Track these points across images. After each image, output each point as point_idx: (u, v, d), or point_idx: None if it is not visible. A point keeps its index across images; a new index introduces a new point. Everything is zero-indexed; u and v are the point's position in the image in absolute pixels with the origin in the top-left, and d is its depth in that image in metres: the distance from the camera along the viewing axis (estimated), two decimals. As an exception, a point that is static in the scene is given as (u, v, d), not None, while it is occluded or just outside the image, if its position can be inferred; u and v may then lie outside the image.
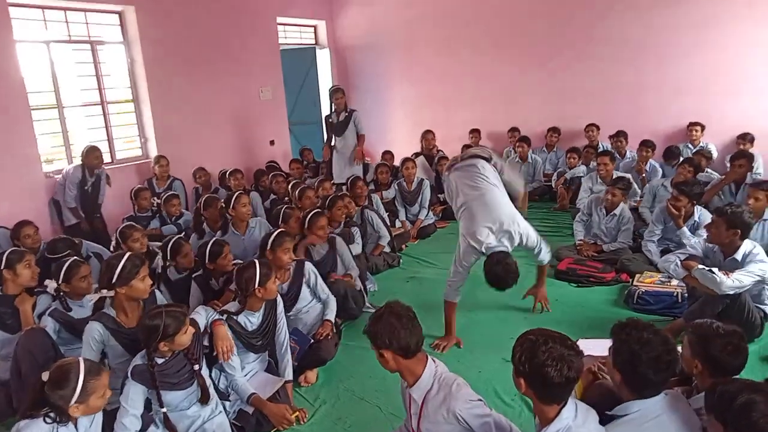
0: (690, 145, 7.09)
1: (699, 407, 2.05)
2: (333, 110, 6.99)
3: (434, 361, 2.21)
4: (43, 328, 3.14)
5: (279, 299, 3.29)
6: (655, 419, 1.90)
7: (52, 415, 2.17)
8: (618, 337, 2.00)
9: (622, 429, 1.92)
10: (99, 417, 2.41)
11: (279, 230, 3.78)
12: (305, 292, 3.70)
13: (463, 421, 2.08)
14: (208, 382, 2.78)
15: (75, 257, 3.50)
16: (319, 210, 4.46)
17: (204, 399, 2.71)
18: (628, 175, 5.72)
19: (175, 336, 2.54)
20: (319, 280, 3.76)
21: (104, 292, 2.87)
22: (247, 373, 3.16)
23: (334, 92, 6.97)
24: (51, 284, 3.24)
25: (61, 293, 3.26)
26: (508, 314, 4.18)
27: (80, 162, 5.73)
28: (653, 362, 1.89)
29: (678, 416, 1.94)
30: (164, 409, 2.60)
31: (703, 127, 7.12)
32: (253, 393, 2.96)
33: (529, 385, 1.85)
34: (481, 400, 2.13)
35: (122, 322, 2.90)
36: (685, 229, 4.51)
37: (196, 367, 2.68)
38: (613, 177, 5.60)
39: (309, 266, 3.75)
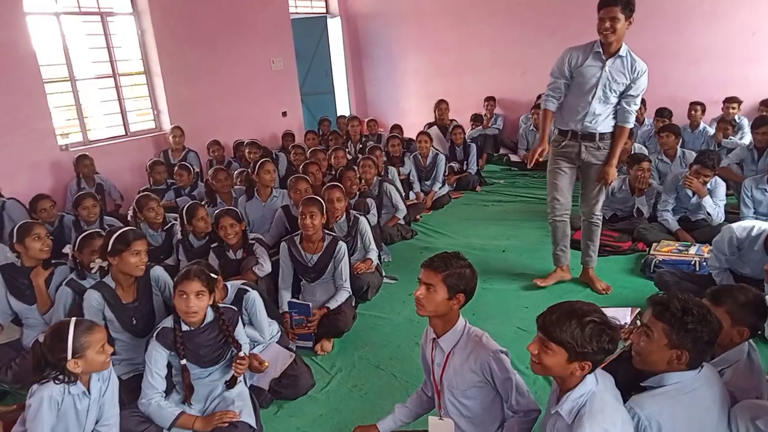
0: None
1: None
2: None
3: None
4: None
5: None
6: (691, 392, 1.86)
7: (60, 376, 2.22)
8: (682, 325, 1.84)
9: (658, 400, 1.86)
10: (114, 383, 2.45)
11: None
12: (329, 270, 3.69)
13: (489, 372, 2.11)
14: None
15: (97, 230, 3.52)
16: (331, 183, 4.39)
17: (231, 384, 2.69)
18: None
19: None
20: (345, 266, 3.69)
21: (99, 261, 2.91)
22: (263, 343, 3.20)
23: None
24: (68, 248, 3.32)
25: (77, 261, 3.29)
26: (523, 283, 4.17)
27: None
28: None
29: (713, 390, 1.92)
30: (184, 361, 2.60)
31: (740, 103, 6.67)
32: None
33: (567, 350, 1.75)
34: (507, 353, 2.15)
35: (120, 296, 2.93)
36: (708, 198, 4.43)
37: (241, 353, 2.67)
38: (632, 152, 5.46)
39: (342, 245, 3.70)
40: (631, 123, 3.60)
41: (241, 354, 2.67)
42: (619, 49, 3.41)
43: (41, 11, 5.78)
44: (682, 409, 1.84)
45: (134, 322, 2.94)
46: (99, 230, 3.50)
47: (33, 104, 5.57)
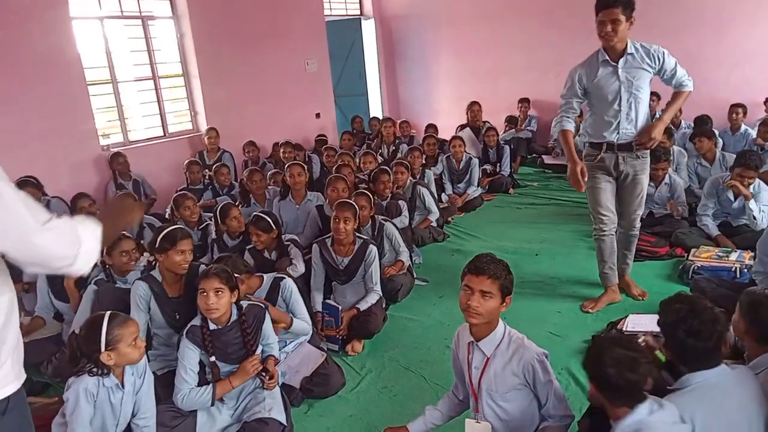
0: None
1: None
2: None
3: None
4: (113, 285, 3.28)
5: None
6: (720, 390, 1.87)
7: (94, 368, 2.29)
8: (660, 312, 2.01)
9: (686, 398, 1.87)
10: (150, 378, 2.52)
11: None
12: (360, 272, 3.72)
13: (531, 375, 2.11)
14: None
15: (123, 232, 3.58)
16: (362, 190, 4.42)
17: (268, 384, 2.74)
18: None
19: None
20: (376, 269, 3.71)
21: (146, 255, 2.98)
22: (291, 341, 3.25)
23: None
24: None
25: (106, 266, 3.35)
26: (556, 287, 4.12)
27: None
28: (690, 331, 1.89)
29: (744, 390, 1.91)
30: (213, 358, 2.67)
31: None
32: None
33: (596, 387, 1.89)
34: (548, 356, 2.16)
35: (166, 290, 3.01)
36: (753, 202, 4.29)
37: (255, 349, 2.72)
38: (672, 154, 5.34)
39: (373, 248, 3.72)
40: (688, 86, 3.37)
41: (255, 356, 2.72)
42: (625, 48, 3.26)
43: (86, 16, 5.97)
44: (713, 405, 1.84)
45: (177, 317, 3.00)
46: (124, 233, 3.54)
47: (77, 106, 5.76)
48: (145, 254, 3.07)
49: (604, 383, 1.83)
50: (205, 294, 2.60)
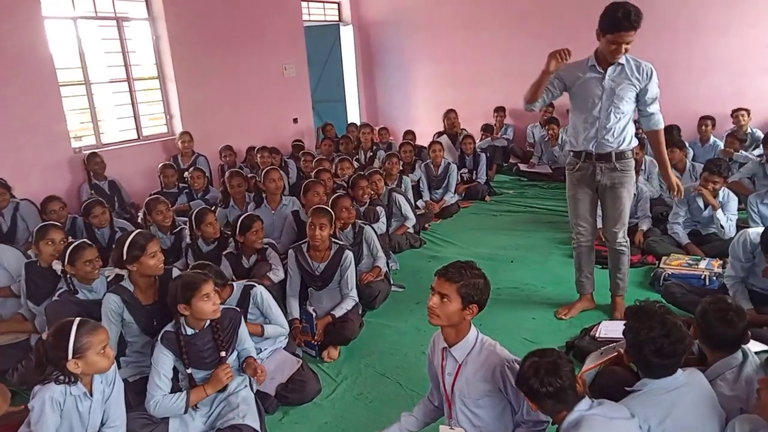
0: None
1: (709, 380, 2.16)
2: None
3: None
4: (70, 298, 3.19)
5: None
6: (673, 391, 1.98)
7: (61, 376, 2.22)
8: (628, 325, 2.08)
9: (641, 399, 1.99)
10: (120, 386, 2.46)
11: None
12: (336, 278, 3.71)
13: (502, 381, 2.13)
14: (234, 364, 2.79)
15: (84, 240, 3.48)
16: (340, 194, 4.41)
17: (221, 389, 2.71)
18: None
19: (192, 299, 2.54)
20: (351, 274, 3.69)
21: (117, 270, 2.92)
22: (266, 348, 3.22)
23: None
24: (56, 266, 3.23)
25: (68, 275, 3.24)
26: (531, 294, 4.16)
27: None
28: (658, 351, 1.96)
29: (695, 389, 2.02)
30: (189, 370, 2.63)
31: (748, 112, 6.66)
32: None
33: (531, 401, 1.97)
34: (520, 362, 2.15)
35: (140, 298, 2.95)
36: (721, 212, 4.40)
37: (223, 354, 2.67)
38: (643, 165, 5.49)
39: (349, 254, 3.72)
40: (660, 124, 3.39)
41: (226, 362, 2.68)
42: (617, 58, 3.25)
43: (59, 15, 5.86)
44: (667, 407, 1.95)
45: (155, 323, 2.93)
46: (86, 240, 3.43)
47: (48, 107, 5.63)
48: (115, 270, 2.98)
49: (533, 394, 1.92)
50: (207, 297, 2.57)
